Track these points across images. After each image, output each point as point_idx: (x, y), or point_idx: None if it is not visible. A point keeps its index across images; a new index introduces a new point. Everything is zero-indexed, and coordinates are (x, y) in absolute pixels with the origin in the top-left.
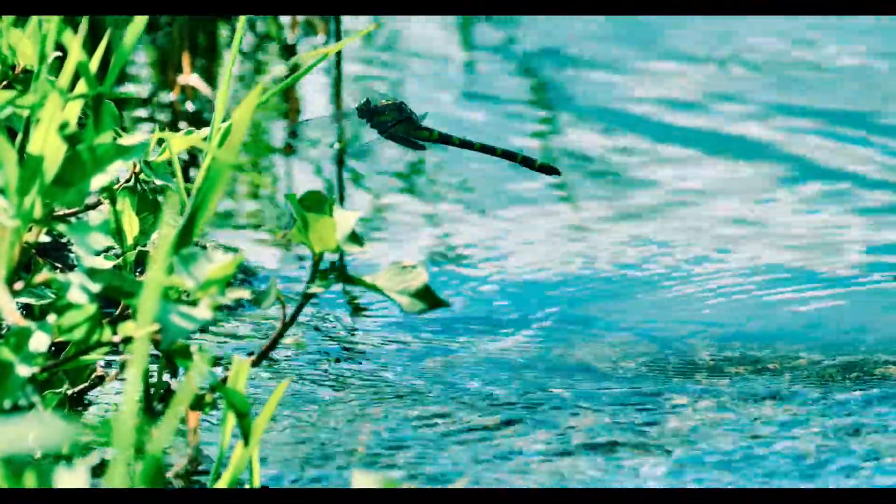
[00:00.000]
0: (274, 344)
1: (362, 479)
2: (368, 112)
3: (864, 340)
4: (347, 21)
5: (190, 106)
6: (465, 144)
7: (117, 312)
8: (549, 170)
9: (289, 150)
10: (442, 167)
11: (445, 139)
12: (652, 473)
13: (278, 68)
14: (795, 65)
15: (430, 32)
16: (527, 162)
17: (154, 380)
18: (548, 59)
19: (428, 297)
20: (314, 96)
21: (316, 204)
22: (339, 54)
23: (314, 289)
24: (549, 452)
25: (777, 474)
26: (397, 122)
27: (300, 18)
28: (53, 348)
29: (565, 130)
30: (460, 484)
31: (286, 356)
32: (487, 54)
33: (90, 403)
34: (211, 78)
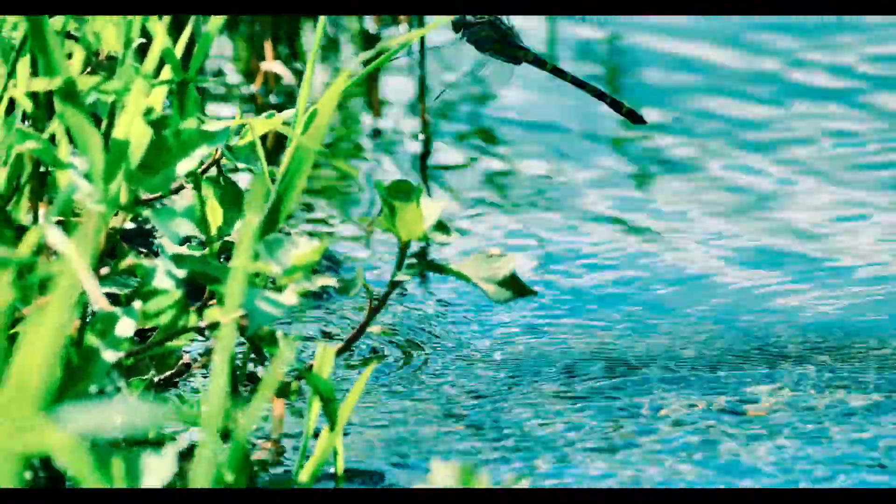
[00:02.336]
0: (360, 332)
1: (442, 470)
2: (463, 26)
3: None
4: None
5: (272, 98)
6: (557, 72)
7: (203, 299)
8: (634, 117)
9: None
10: (520, 154)
11: (539, 62)
12: (752, 460)
13: (362, 56)
14: None
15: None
16: (614, 105)
17: (240, 367)
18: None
19: (515, 285)
20: (397, 86)
21: (403, 192)
22: (422, 42)
23: (401, 276)
24: (638, 432)
25: (856, 466)
26: (494, 40)
27: None
28: (139, 335)
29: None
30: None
31: (372, 345)
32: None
33: (177, 390)
34: (294, 70)
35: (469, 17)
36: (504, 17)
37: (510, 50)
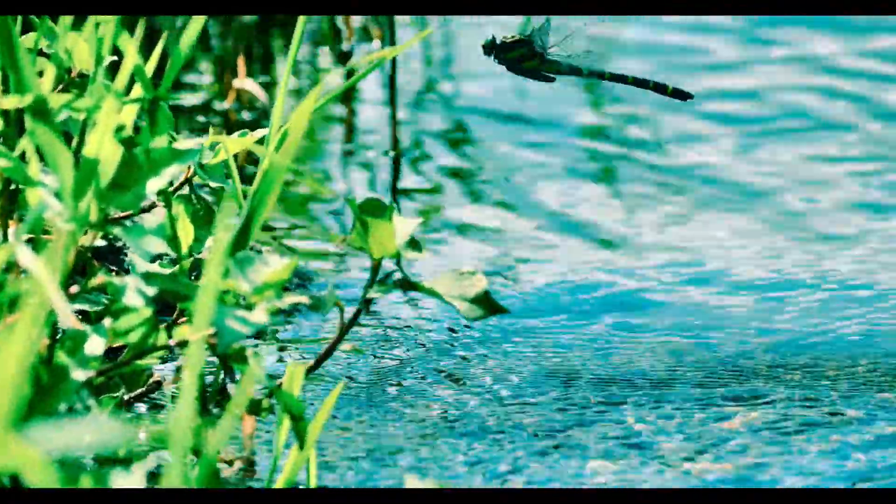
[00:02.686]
0: (331, 350)
1: (416, 485)
2: (495, 49)
3: None
4: (402, 20)
5: (246, 115)
6: (595, 74)
7: (173, 317)
8: (682, 95)
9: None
10: (492, 174)
11: (575, 71)
12: (709, 477)
13: (335, 74)
14: None
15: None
16: (658, 88)
17: (210, 384)
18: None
19: (487, 303)
20: (370, 102)
21: (376, 210)
22: (394, 60)
23: (373, 294)
24: (607, 456)
25: (832, 478)
26: (526, 58)
27: (355, 25)
28: (109, 353)
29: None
30: (518, 484)
31: (343, 362)
32: None
33: (147, 408)
34: (266, 86)
35: (500, 39)
36: (537, 35)
37: (545, 67)
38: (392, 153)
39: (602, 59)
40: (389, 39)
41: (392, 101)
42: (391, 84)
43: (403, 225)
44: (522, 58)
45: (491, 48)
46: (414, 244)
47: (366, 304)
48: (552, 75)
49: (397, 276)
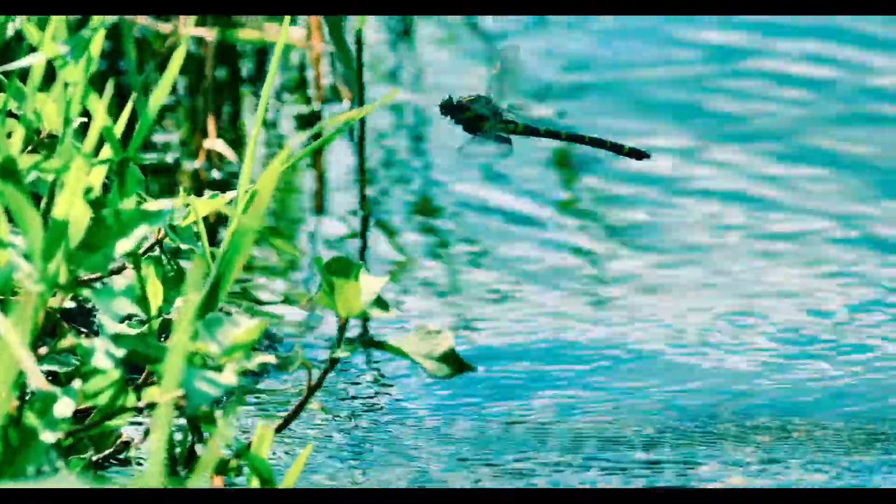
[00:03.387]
0: (299, 410)
1: None
2: (451, 109)
3: (891, 409)
4: (370, 80)
5: (216, 173)
6: (552, 134)
7: (142, 378)
8: (638, 154)
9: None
10: (462, 234)
11: (532, 131)
12: None
13: (303, 135)
14: None
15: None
16: (615, 147)
17: (179, 445)
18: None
19: (454, 361)
20: (340, 163)
21: (343, 269)
22: (363, 121)
23: (339, 354)
24: None
25: None
26: (483, 119)
27: (324, 85)
28: (78, 414)
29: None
30: None
31: (311, 422)
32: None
33: (115, 469)
34: (236, 145)
35: (457, 99)
36: (493, 94)
37: (500, 127)
38: (361, 213)
39: (558, 116)
40: (358, 100)
41: (361, 162)
42: (360, 144)
43: (370, 283)
44: (480, 118)
45: (447, 108)
46: (381, 303)
47: (332, 363)
48: (508, 136)
49: (368, 333)
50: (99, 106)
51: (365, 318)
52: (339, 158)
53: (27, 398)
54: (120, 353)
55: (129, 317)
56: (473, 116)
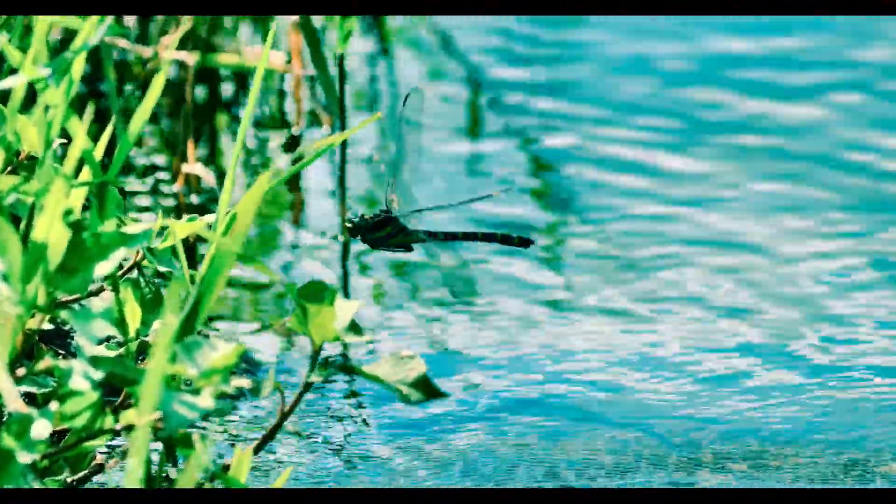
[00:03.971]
0: (274, 433)
1: None
2: (362, 230)
3: (867, 439)
4: (351, 105)
5: (195, 198)
6: (449, 237)
7: (119, 401)
8: (524, 242)
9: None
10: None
11: (432, 236)
12: None
13: (284, 159)
14: None
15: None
16: (506, 239)
17: (155, 468)
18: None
19: (426, 387)
20: (319, 187)
21: (317, 294)
22: (343, 144)
23: (313, 378)
24: None
25: None
26: (393, 235)
27: (304, 109)
28: (55, 436)
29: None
30: None
31: (288, 445)
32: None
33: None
34: (215, 170)
35: (365, 218)
36: (395, 209)
37: (406, 239)
38: (341, 237)
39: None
40: (340, 125)
41: (341, 186)
42: (341, 169)
43: (344, 309)
44: (389, 235)
45: (356, 229)
46: (355, 328)
47: (306, 387)
48: (412, 245)
49: (343, 358)
50: (79, 128)
51: (343, 343)
52: (319, 182)
53: (4, 420)
54: (98, 375)
55: (108, 339)
56: (385, 235)
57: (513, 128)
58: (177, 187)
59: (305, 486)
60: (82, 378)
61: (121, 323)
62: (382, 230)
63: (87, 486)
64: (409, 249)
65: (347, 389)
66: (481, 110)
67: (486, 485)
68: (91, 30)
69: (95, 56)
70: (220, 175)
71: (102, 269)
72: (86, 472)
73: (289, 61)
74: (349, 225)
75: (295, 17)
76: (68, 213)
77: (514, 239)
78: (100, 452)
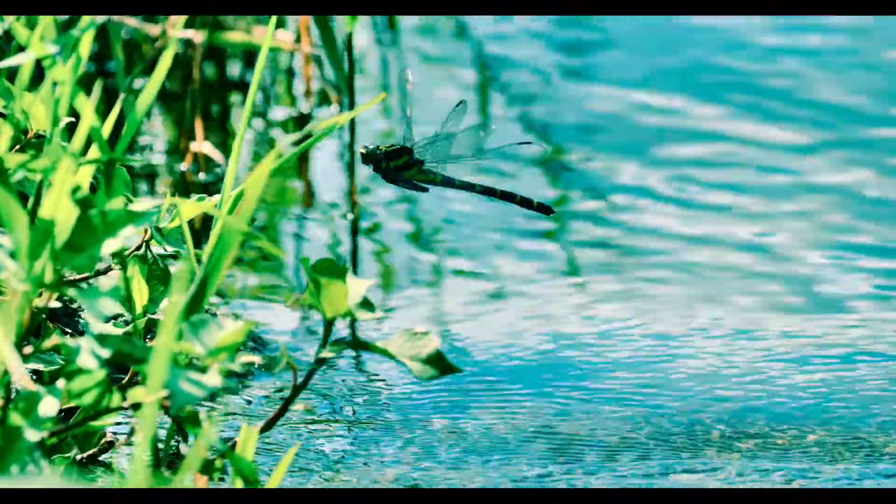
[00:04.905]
0: (284, 410)
1: None
2: (376, 159)
3: (874, 417)
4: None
5: (202, 176)
6: (467, 186)
7: (127, 378)
8: (545, 209)
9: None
10: (450, 233)
11: (448, 182)
12: None
13: (292, 137)
14: None
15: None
16: (525, 202)
17: (163, 445)
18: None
19: (439, 363)
20: (328, 165)
21: (329, 270)
22: (352, 123)
23: (325, 354)
24: None
25: None
26: (407, 167)
27: (314, 89)
28: (63, 413)
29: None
30: None
31: (297, 422)
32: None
33: (99, 469)
34: (223, 148)
35: (382, 150)
36: (415, 146)
37: (420, 177)
38: (350, 216)
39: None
40: (349, 103)
41: (351, 165)
42: (350, 147)
43: (356, 285)
44: (404, 167)
45: (370, 157)
46: (367, 304)
47: (318, 363)
48: (427, 185)
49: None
50: (87, 106)
51: (353, 320)
52: (328, 161)
53: (12, 397)
54: (105, 352)
55: (115, 317)
56: (400, 165)
57: (519, 100)
58: (184, 166)
59: (313, 466)
60: (90, 356)
61: (128, 301)
62: (398, 159)
63: (96, 463)
64: (424, 189)
65: (357, 366)
66: (489, 90)
67: (489, 461)
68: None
69: (103, 34)
70: (228, 154)
71: (110, 246)
72: (94, 449)
73: (297, 40)
74: (363, 152)
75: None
76: (76, 190)
77: (533, 203)
78: (109, 431)
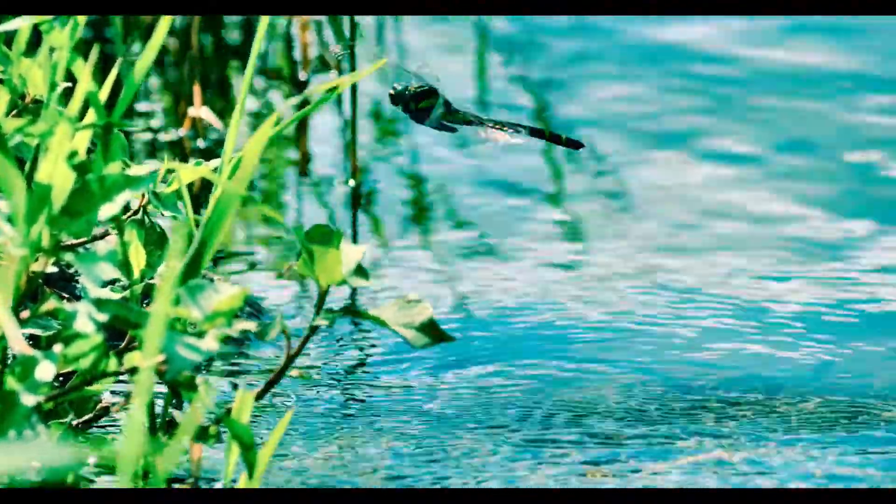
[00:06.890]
0: (279, 376)
1: None
2: (403, 98)
3: (872, 385)
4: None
5: (200, 143)
6: (496, 124)
7: (123, 343)
8: (574, 144)
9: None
10: (451, 203)
11: (476, 121)
12: None
13: (291, 103)
14: None
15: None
16: (553, 138)
17: (159, 410)
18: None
19: (433, 331)
20: (327, 132)
21: (323, 237)
22: (353, 88)
23: (319, 321)
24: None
25: None
26: (435, 108)
27: (312, 56)
28: (59, 378)
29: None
30: None
31: (292, 389)
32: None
33: (95, 435)
34: (222, 115)
35: (410, 88)
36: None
37: (449, 118)
38: (351, 182)
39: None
40: (350, 68)
41: (352, 130)
42: (352, 113)
43: (351, 252)
44: (432, 107)
45: (399, 97)
46: (361, 271)
47: (312, 331)
48: (455, 126)
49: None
50: (84, 71)
51: (351, 288)
52: (328, 128)
53: (8, 362)
54: (102, 317)
55: (112, 282)
56: (427, 106)
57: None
58: (183, 131)
59: (310, 431)
60: (87, 320)
61: (125, 265)
62: (427, 100)
63: (93, 428)
64: (453, 130)
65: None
66: (487, 58)
67: (491, 428)
68: None
69: None
70: (227, 120)
71: (107, 211)
72: (91, 415)
73: None
74: (392, 92)
75: None
76: (73, 155)
77: (562, 139)
78: (105, 396)
